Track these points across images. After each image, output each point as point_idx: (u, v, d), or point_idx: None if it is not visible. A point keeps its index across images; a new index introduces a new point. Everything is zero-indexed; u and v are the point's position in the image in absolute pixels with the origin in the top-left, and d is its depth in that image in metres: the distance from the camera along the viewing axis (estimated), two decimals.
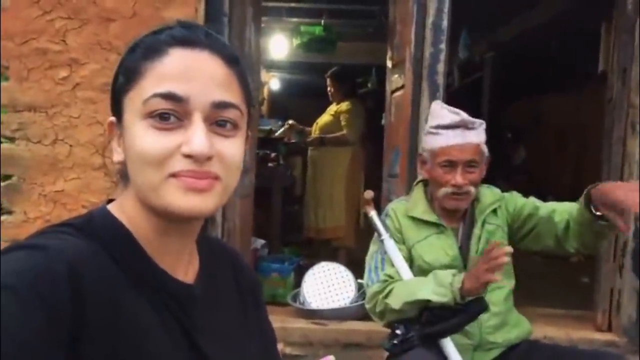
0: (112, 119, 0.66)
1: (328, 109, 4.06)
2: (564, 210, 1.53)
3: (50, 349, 0.50)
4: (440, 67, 2.42)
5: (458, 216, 1.64)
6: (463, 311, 1.42)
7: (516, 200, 1.65)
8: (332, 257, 3.46)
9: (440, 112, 1.59)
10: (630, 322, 2.42)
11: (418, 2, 2.42)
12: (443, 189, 1.55)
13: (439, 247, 1.59)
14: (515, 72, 5.64)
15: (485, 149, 1.59)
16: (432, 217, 1.61)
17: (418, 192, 1.69)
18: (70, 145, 2.28)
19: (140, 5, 2.21)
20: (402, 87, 2.64)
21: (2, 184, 2.34)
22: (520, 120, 7.41)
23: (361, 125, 3.85)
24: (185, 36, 0.62)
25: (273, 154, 4.34)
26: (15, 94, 2.26)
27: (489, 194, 1.66)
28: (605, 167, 2.67)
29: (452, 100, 2.38)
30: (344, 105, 3.85)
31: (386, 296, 1.53)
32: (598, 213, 1.37)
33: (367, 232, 3.37)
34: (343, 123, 3.78)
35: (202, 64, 0.61)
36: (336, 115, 3.88)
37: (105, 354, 0.55)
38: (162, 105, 0.59)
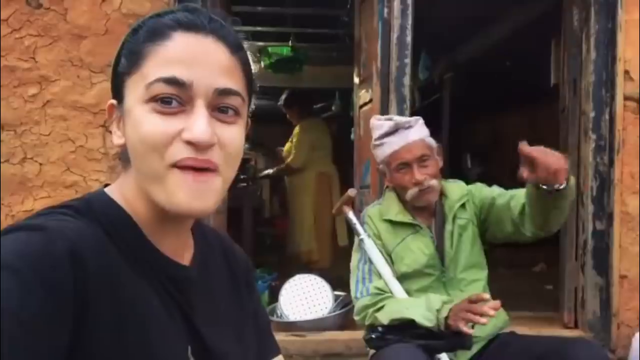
0: (113, 101, 0.65)
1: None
2: (520, 195, 1.56)
3: (52, 329, 0.50)
4: (406, 80, 2.53)
5: (430, 213, 1.69)
6: (444, 339, 1.43)
7: (481, 191, 1.71)
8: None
9: (378, 124, 1.68)
10: (595, 317, 2.53)
11: (383, 19, 2.54)
12: (409, 191, 1.61)
13: (415, 248, 1.63)
14: (473, 91, 5.89)
15: (431, 141, 1.66)
16: (406, 218, 1.66)
17: (389, 195, 1.74)
18: (40, 164, 2.24)
19: (113, 22, 2.24)
20: (370, 101, 2.74)
21: None
22: (479, 140, 7.70)
23: (309, 147, 3.82)
24: (190, 20, 0.61)
25: (242, 176, 4.36)
26: None
27: (456, 189, 1.72)
28: None
29: None
30: (295, 130, 3.94)
31: (377, 310, 1.56)
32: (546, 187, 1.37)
33: (344, 251, 3.46)
34: (292, 150, 3.87)
35: (206, 49, 0.61)
36: (292, 140, 3.97)
37: (108, 334, 0.55)
38: (165, 89, 0.58)
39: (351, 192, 1.78)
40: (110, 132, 0.66)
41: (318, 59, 5.29)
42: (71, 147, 2.24)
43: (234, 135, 0.62)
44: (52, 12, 2.23)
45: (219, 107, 0.61)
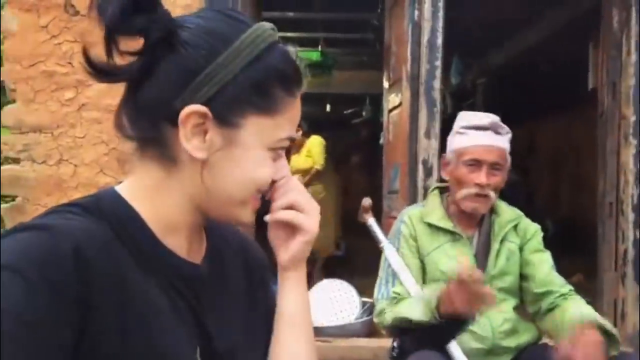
0: (202, 109, 0.58)
1: None
2: (559, 299, 1.52)
3: (56, 329, 0.50)
4: (437, 84, 2.49)
5: (474, 224, 1.62)
6: (446, 327, 1.39)
7: (535, 235, 1.62)
8: (311, 265, 4.02)
9: (470, 115, 1.64)
10: (635, 330, 2.42)
11: (413, 21, 2.52)
12: (465, 189, 1.54)
13: (453, 257, 1.56)
14: (507, 96, 5.77)
15: (509, 158, 1.60)
16: (447, 225, 1.60)
17: (433, 198, 1.68)
18: (75, 165, 2.31)
19: None
20: (399, 105, 2.71)
21: (6, 205, 2.35)
22: (513, 146, 7.52)
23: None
24: (300, 80, 0.65)
25: None
26: (21, 115, 2.30)
27: (509, 210, 1.65)
28: (601, 179, 2.72)
29: (445, 126, 2.45)
30: (311, 143, 4.33)
31: (389, 313, 1.54)
32: None
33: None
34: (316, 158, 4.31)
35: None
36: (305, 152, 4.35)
37: (114, 334, 0.54)
38: (286, 144, 0.65)
39: (365, 201, 1.75)
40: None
41: (348, 64, 5.30)
42: (105, 150, 2.30)
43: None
44: (88, 18, 2.29)
45: None
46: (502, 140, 1.58)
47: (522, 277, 1.60)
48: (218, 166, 0.61)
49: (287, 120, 0.63)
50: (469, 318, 1.35)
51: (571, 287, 1.55)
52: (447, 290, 1.34)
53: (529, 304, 1.59)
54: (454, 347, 1.46)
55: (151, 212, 0.63)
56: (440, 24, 2.48)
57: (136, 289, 0.58)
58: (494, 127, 1.56)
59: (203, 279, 0.66)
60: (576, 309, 1.45)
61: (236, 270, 0.74)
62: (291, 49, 0.65)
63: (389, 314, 1.52)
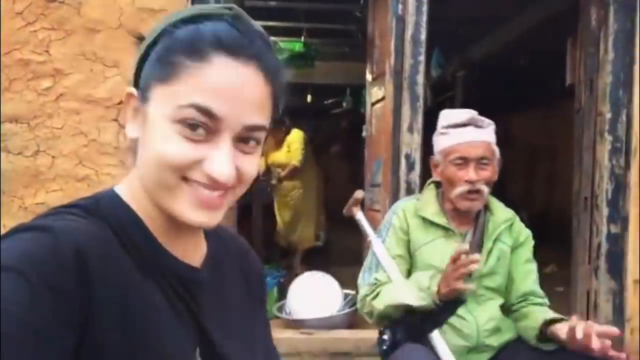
0: (133, 90, 0.62)
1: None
2: (530, 309, 1.56)
3: (57, 331, 0.49)
4: (420, 78, 2.50)
5: (468, 221, 1.63)
6: (442, 310, 1.43)
7: (527, 242, 1.66)
8: (292, 254, 4.38)
9: (450, 113, 1.64)
10: (608, 322, 2.49)
11: (397, 16, 2.52)
12: (457, 188, 1.55)
13: (445, 252, 1.56)
14: (486, 90, 5.84)
15: (496, 149, 1.60)
16: (441, 220, 1.61)
17: (429, 192, 1.69)
18: (53, 157, 2.25)
19: (127, 16, 2.23)
20: (383, 99, 2.72)
21: None
22: None
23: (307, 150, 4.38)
24: (232, 41, 0.58)
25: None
26: None
27: (503, 210, 1.67)
28: (577, 174, 2.79)
29: (425, 118, 2.48)
30: (291, 139, 4.27)
31: (373, 298, 1.54)
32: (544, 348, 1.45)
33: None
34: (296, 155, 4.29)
35: (244, 82, 0.58)
36: (287, 148, 4.32)
37: (115, 336, 0.54)
38: (196, 117, 0.57)
39: (358, 194, 1.74)
40: (122, 125, 0.66)
41: (330, 55, 5.29)
42: (84, 141, 2.25)
43: (252, 165, 0.61)
44: (66, 5, 2.23)
45: (242, 138, 0.60)
46: (485, 134, 1.58)
47: (508, 278, 1.63)
48: (141, 147, 0.61)
49: (190, 87, 0.57)
50: (463, 298, 1.41)
51: (547, 302, 1.61)
52: (445, 274, 1.39)
53: (505, 300, 1.63)
54: (439, 342, 1.48)
55: (146, 213, 0.63)
56: (424, 18, 2.48)
57: (136, 290, 0.58)
58: (474, 122, 1.57)
59: (201, 282, 0.66)
60: (544, 314, 1.51)
61: (234, 275, 0.75)
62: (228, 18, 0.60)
63: (378, 300, 1.52)
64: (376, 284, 1.58)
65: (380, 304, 1.51)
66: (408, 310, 1.46)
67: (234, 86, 0.58)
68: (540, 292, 1.62)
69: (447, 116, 1.63)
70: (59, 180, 2.25)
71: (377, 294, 1.54)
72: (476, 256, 1.35)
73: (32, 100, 2.24)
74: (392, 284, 1.54)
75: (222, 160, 0.57)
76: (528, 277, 1.62)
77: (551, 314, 1.50)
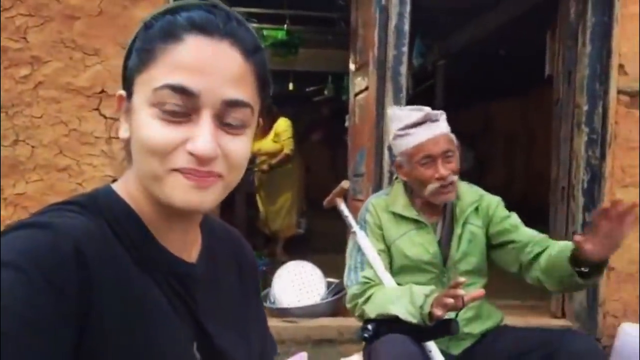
0: (122, 92, 0.63)
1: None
2: (540, 244, 1.53)
3: (57, 327, 0.50)
4: (403, 69, 2.52)
5: (437, 211, 1.66)
6: (431, 330, 1.43)
7: (498, 207, 1.66)
8: (274, 242, 4.45)
9: (402, 113, 1.62)
10: (582, 307, 2.59)
11: (380, 6, 2.52)
12: (430, 185, 1.56)
13: (418, 243, 1.61)
14: (466, 79, 5.89)
15: (453, 137, 1.62)
16: (411, 213, 1.64)
17: (398, 187, 1.70)
18: (33, 147, 2.21)
19: (107, 3, 2.19)
20: (366, 89, 2.73)
21: None
22: (470, 127, 7.74)
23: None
24: (205, 21, 0.58)
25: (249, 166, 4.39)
26: None
27: (469, 192, 1.68)
28: (554, 164, 2.86)
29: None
30: (279, 128, 4.23)
31: (365, 302, 1.56)
32: (583, 269, 1.38)
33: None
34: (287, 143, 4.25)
35: (218, 56, 0.58)
36: (276, 136, 4.26)
37: (114, 330, 0.55)
38: (172, 98, 0.57)
39: (344, 184, 1.76)
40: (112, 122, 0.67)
41: (313, 42, 5.25)
42: (64, 130, 2.21)
43: (239, 146, 0.60)
44: None
45: (224, 116, 0.59)
46: (441, 126, 1.59)
47: (499, 246, 1.63)
48: (132, 142, 0.61)
49: (165, 69, 0.57)
50: (453, 331, 1.36)
51: (545, 235, 1.60)
52: (439, 298, 1.36)
53: (509, 265, 1.61)
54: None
55: (142, 209, 0.63)
56: (407, 9, 2.49)
57: (134, 286, 0.58)
58: (429, 118, 1.58)
59: (197, 277, 0.67)
60: (557, 245, 1.50)
61: (228, 264, 0.76)
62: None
63: (370, 307, 1.53)
64: (367, 282, 1.59)
65: (372, 312, 1.53)
66: (398, 319, 1.46)
67: (207, 61, 0.57)
68: (535, 232, 1.61)
69: (400, 117, 1.62)
70: (39, 171, 2.22)
71: (369, 298, 1.56)
72: (459, 292, 1.32)
73: (10, 88, 2.18)
74: (385, 290, 1.55)
75: (203, 135, 0.57)
76: (516, 228, 1.62)
77: (561, 244, 1.49)
